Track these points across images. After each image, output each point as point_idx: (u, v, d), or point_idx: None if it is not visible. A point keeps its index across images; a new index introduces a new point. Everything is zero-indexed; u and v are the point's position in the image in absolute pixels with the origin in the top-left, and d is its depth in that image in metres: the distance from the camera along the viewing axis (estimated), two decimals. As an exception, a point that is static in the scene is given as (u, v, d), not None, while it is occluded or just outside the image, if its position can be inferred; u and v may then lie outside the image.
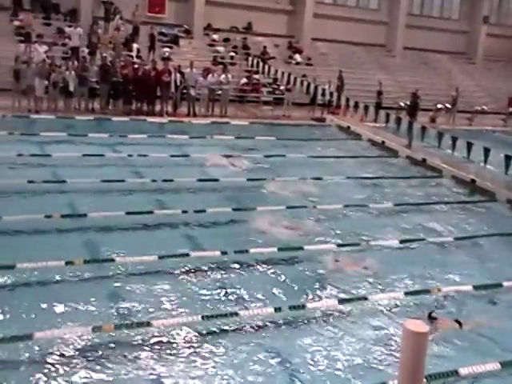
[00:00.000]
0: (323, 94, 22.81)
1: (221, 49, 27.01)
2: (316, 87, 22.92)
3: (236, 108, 22.17)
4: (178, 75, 20.46)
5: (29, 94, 18.51)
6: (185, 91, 20.81)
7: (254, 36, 28.90)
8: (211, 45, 27.38)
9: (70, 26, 23.21)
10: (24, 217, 9.77)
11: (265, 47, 27.51)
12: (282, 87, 24.14)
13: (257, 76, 24.72)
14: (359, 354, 6.97)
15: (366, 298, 8.26)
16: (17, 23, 23.37)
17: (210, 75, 21.30)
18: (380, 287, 8.75)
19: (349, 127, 21.23)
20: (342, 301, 8.13)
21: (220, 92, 21.52)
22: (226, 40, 27.90)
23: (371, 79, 27.68)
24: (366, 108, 21.71)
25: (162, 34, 26.10)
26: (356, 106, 21.87)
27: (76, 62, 19.91)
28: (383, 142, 19.25)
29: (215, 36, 27.82)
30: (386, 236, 10.87)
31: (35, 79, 18.36)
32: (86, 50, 22.00)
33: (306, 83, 23.29)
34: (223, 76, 21.68)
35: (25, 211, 10.03)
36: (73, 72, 19.04)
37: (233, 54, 26.84)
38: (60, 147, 14.79)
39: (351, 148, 18.89)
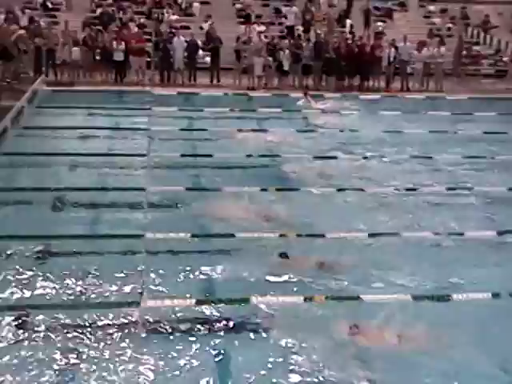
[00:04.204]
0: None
1: (437, 20, 25.69)
2: (547, 57, 20.79)
3: (453, 82, 21.03)
4: (392, 50, 20.02)
5: (248, 72, 19.57)
6: (398, 66, 20.28)
7: (474, 4, 26.94)
8: (427, 17, 26.20)
9: (286, 6, 23.93)
10: (242, 189, 10.38)
11: (486, 16, 25.54)
12: (505, 59, 22.29)
13: (477, 47, 23.15)
14: None
15: None
16: (238, 6, 24.75)
17: (424, 48, 20.48)
18: None
19: None
20: None
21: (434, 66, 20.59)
22: (443, 11, 26.44)
23: None
24: None
25: (375, 8, 25.62)
26: None
27: (291, 40, 20.52)
28: None
29: (431, 7, 26.53)
30: None
31: (254, 58, 19.34)
32: (301, 28, 22.52)
33: (534, 53, 21.23)
34: (439, 49, 20.66)
35: (243, 184, 10.67)
36: (287, 50, 19.65)
37: (450, 25, 25.39)
38: (275, 123, 15.42)
39: None
